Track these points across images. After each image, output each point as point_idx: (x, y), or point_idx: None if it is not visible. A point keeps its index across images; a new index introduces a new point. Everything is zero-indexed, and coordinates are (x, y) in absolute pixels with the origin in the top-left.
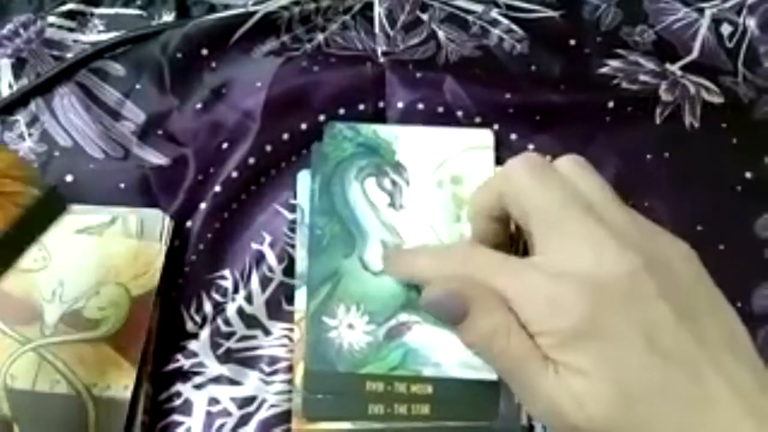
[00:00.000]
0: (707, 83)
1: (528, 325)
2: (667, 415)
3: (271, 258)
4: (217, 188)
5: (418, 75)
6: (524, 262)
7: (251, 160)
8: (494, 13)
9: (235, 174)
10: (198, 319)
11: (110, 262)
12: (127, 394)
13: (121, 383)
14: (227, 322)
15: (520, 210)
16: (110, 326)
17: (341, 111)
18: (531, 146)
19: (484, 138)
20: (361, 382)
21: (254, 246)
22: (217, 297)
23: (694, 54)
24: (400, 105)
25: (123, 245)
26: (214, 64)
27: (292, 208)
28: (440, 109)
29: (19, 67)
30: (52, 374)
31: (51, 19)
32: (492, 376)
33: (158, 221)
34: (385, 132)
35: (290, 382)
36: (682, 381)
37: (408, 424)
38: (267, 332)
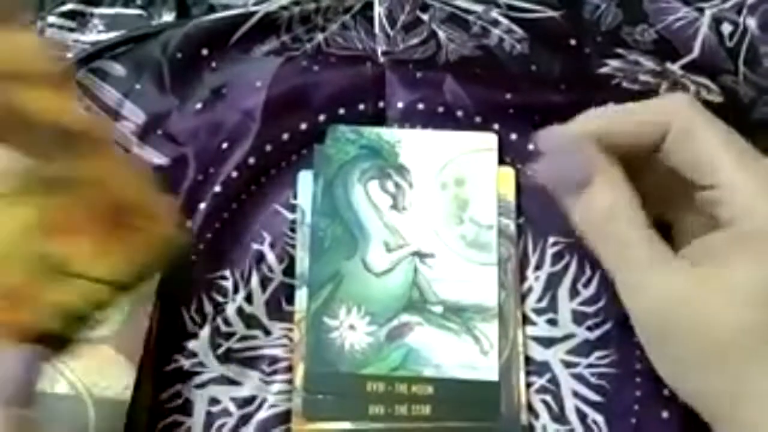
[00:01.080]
0: (707, 83)
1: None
2: None
3: (271, 258)
4: (217, 188)
5: (418, 75)
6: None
7: (251, 160)
8: (494, 13)
9: (235, 174)
10: (198, 319)
11: None
12: (127, 394)
13: (121, 383)
14: (227, 322)
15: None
16: (110, 326)
17: (341, 111)
18: (531, 146)
19: (487, 141)
20: (362, 383)
21: (254, 246)
22: (217, 297)
23: (695, 53)
24: (400, 105)
25: None
26: (214, 64)
27: (292, 208)
28: (440, 109)
29: None
30: (52, 374)
31: (51, 19)
32: (492, 377)
33: None
34: (388, 135)
35: (290, 382)
36: None
37: (408, 425)
38: (267, 332)
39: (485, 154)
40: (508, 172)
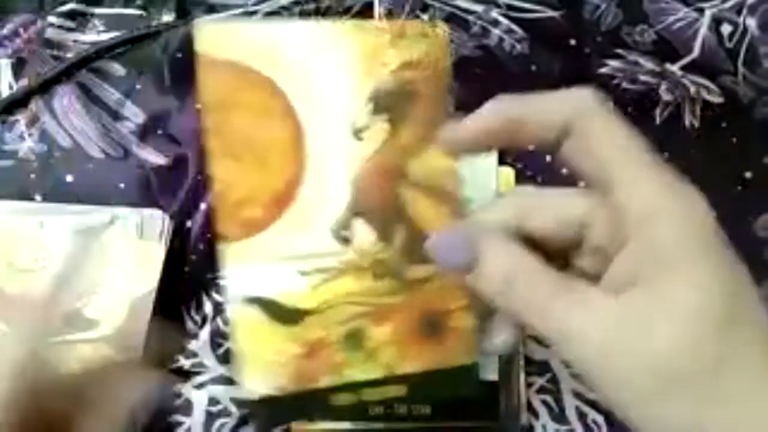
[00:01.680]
0: (707, 83)
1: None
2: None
3: None
4: None
5: None
6: None
7: None
8: (494, 13)
9: None
10: (198, 318)
11: (110, 262)
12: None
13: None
14: (227, 322)
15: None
16: (109, 327)
17: None
18: (531, 146)
19: None
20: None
21: None
22: (217, 297)
23: (694, 54)
24: None
25: (123, 246)
26: None
27: None
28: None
29: (19, 66)
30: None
31: (51, 19)
32: (492, 376)
33: (158, 222)
34: None
35: None
36: None
37: (408, 425)
38: None
39: (483, 158)
40: (508, 172)
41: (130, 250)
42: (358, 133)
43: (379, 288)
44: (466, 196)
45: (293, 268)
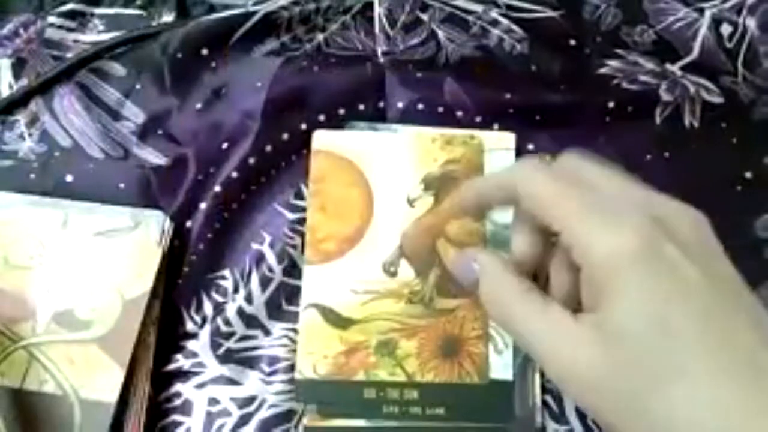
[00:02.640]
0: (707, 83)
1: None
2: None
3: (271, 258)
4: (218, 188)
5: (418, 75)
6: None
7: (251, 160)
8: (494, 13)
9: (235, 174)
10: (198, 319)
11: (105, 262)
12: (114, 397)
13: (109, 386)
14: (227, 322)
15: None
16: (101, 328)
17: (341, 111)
18: (531, 146)
19: (505, 140)
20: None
21: (254, 246)
22: (217, 297)
23: (694, 54)
24: (400, 105)
25: (119, 246)
26: (214, 65)
27: (292, 208)
28: (440, 109)
29: (19, 67)
30: (41, 373)
31: (51, 19)
32: (507, 376)
33: (158, 223)
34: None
35: (290, 382)
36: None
37: (423, 424)
38: (267, 332)
39: (502, 153)
40: None
41: (126, 251)
42: (411, 202)
43: (411, 311)
44: None
45: (350, 288)
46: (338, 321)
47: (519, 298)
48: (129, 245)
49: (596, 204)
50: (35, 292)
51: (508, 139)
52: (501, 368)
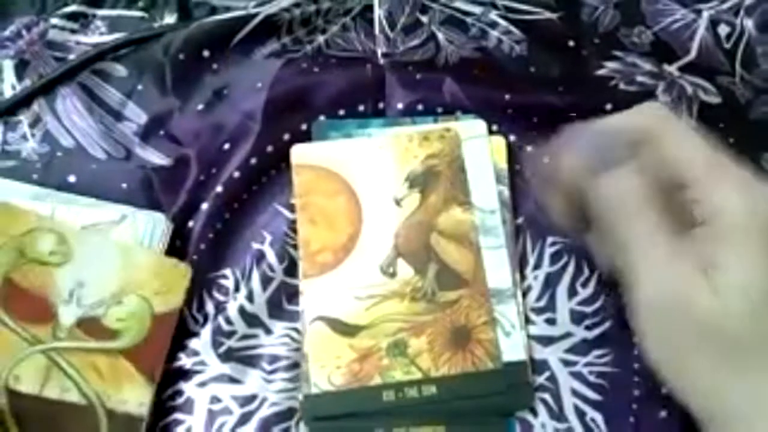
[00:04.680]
0: (705, 84)
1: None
2: None
3: (271, 257)
4: (219, 188)
5: (418, 76)
6: None
7: (252, 161)
8: (493, 15)
9: (236, 174)
10: (199, 317)
11: (133, 272)
12: (143, 411)
13: (136, 399)
14: (228, 321)
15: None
16: (129, 339)
17: (341, 112)
18: (529, 147)
19: (477, 127)
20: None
21: (255, 245)
22: (219, 296)
23: (692, 55)
24: (399, 106)
25: (147, 257)
26: (215, 66)
27: (293, 208)
28: (440, 110)
29: (21, 68)
30: (62, 381)
31: (53, 20)
32: (519, 356)
33: (158, 224)
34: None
35: (292, 380)
36: None
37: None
38: (268, 331)
39: (477, 141)
40: (499, 140)
41: (154, 263)
42: (398, 202)
43: (416, 308)
44: (469, 184)
45: (352, 295)
46: (346, 329)
47: (664, 228)
48: (155, 257)
49: (729, 165)
50: (58, 292)
51: (480, 125)
52: (512, 349)
